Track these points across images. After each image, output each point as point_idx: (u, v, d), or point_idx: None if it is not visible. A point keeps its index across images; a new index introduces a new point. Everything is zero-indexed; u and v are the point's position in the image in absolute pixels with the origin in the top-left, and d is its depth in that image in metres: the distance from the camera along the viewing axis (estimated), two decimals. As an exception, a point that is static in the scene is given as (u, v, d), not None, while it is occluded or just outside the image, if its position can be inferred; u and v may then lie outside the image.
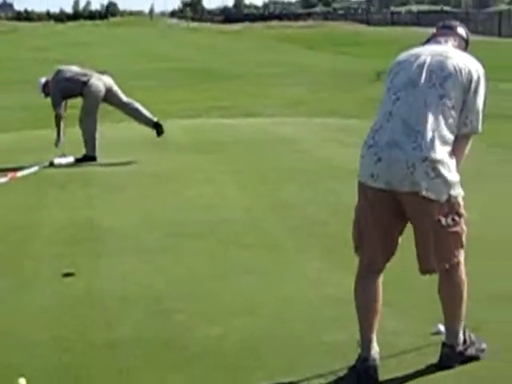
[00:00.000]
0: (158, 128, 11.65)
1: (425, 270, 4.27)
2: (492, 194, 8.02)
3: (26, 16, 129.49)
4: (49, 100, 11.50)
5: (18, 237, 7.39)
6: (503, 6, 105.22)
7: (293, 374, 4.33)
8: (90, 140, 11.26)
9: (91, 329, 5.10)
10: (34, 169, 10.68)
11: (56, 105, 11.29)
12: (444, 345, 4.36)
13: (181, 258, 6.60)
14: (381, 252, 4.31)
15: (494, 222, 7.09)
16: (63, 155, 11.15)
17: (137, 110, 11.65)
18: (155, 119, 11.71)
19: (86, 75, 11.37)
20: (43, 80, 11.53)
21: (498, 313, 5.09)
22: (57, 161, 11.05)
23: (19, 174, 10.26)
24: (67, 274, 6.13)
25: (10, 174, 10.08)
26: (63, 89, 11.28)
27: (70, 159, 11.15)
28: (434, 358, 4.38)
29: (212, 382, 4.29)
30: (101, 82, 11.36)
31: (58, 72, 11.49)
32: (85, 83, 11.20)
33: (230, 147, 12.01)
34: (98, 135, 11.35)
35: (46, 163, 10.94)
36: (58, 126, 11.35)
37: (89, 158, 11.20)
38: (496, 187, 8.47)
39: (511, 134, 12.09)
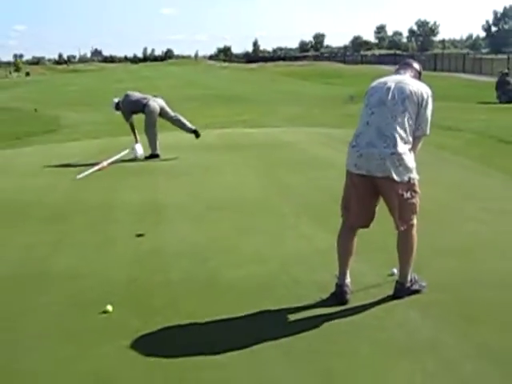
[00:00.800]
0: (195, 133, 11.60)
1: (396, 228, 4.32)
2: (426, 178, 7.95)
3: (111, 59, 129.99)
4: (119, 114, 11.62)
5: (106, 208, 7.41)
6: (437, 50, 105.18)
7: (294, 302, 4.34)
8: (153, 143, 11.23)
9: (154, 272, 5.11)
10: (119, 156, 10.74)
11: (127, 119, 11.37)
12: (397, 282, 4.40)
13: (216, 223, 6.59)
14: (362, 219, 4.42)
15: (431, 197, 7.04)
16: (140, 147, 11.22)
17: (180, 120, 11.55)
18: (194, 127, 11.65)
19: (145, 99, 11.33)
20: (116, 100, 11.52)
21: (433, 261, 5.08)
22: (137, 147, 11.17)
23: (105, 163, 10.29)
24: (139, 235, 6.14)
25: (101, 164, 10.13)
26: (131, 108, 11.28)
27: (142, 151, 11.20)
28: (389, 291, 4.39)
29: (237, 308, 4.28)
30: (156, 103, 11.30)
31: (126, 96, 11.47)
32: (145, 105, 11.18)
33: (249, 148, 11.96)
34: (158, 140, 11.31)
35: (127, 151, 10.99)
36: (132, 130, 11.43)
37: (154, 155, 11.18)
38: (428, 173, 8.41)
39: (440, 137, 12.01)
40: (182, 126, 11.67)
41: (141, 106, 11.21)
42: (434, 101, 4.33)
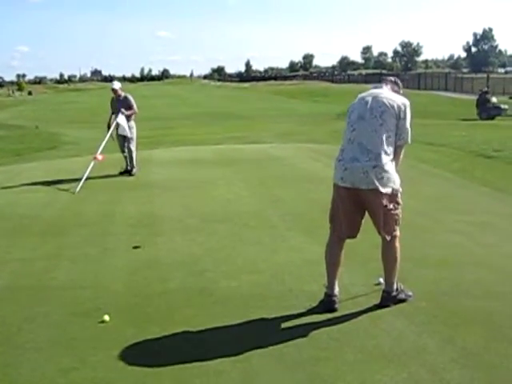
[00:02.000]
0: (127, 172, 10.90)
1: (382, 239, 4.30)
2: (409, 191, 7.96)
3: (110, 79, 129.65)
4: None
5: (104, 221, 7.36)
6: (421, 70, 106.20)
7: (285, 310, 4.33)
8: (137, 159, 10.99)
9: (151, 282, 5.08)
10: (105, 140, 10.58)
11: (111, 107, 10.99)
12: (383, 291, 4.38)
13: (210, 235, 6.56)
14: (348, 230, 4.39)
15: (413, 209, 7.05)
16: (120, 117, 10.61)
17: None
18: (129, 168, 10.93)
19: (134, 114, 11.00)
20: (119, 85, 11.12)
21: (416, 271, 5.07)
22: (119, 119, 10.57)
23: (97, 155, 10.28)
24: (136, 247, 6.10)
25: (95, 158, 10.19)
26: (123, 106, 10.78)
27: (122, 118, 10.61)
28: (376, 300, 4.38)
29: (231, 317, 4.25)
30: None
31: (129, 97, 11.00)
32: (131, 120, 10.89)
33: (241, 163, 11.96)
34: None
35: (114, 123, 10.57)
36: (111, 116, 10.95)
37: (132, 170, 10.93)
38: (411, 186, 8.44)
39: (423, 152, 12.07)
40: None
41: (121, 121, 10.66)
42: (412, 111, 4.31)
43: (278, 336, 3.94)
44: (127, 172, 10.92)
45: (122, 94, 11.05)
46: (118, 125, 10.71)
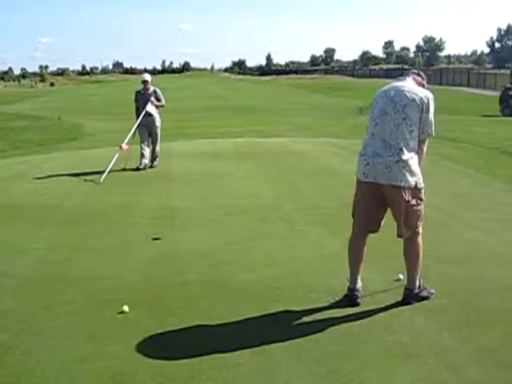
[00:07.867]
0: (139, 169, 10.61)
1: (399, 235, 4.27)
2: (430, 187, 7.88)
3: (131, 71, 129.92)
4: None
5: (124, 212, 7.40)
6: (443, 65, 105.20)
7: (303, 305, 4.31)
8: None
9: (170, 273, 5.09)
10: (133, 130, 10.68)
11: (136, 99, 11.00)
12: (406, 288, 4.35)
13: (229, 228, 6.56)
14: (369, 225, 4.37)
15: (435, 205, 6.98)
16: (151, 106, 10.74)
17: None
18: (153, 162, 10.94)
19: (157, 108, 11.00)
20: (150, 78, 11.12)
21: (437, 268, 5.02)
22: (148, 108, 10.67)
23: (123, 145, 10.35)
24: (156, 238, 6.12)
25: (121, 147, 10.31)
26: (147, 99, 10.81)
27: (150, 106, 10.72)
28: (396, 297, 4.35)
29: (248, 309, 4.25)
30: None
31: (157, 91, 11.04)
32: (153, 115, 10.87)
33: (261, 156, 11.95)
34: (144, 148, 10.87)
35: (143, 112, 10.59)
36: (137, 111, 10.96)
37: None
38: (433, 182, 8.35)
39: (445, 148, 11.96)
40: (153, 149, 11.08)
41: (151, 110, 10.75)
42: (435, 103, 4.24)
43: (296, 330, 3.93)
44: (139, 169, 10.61)
45: (151, 87, 11.04)
46: (146, 114, 10.72)
